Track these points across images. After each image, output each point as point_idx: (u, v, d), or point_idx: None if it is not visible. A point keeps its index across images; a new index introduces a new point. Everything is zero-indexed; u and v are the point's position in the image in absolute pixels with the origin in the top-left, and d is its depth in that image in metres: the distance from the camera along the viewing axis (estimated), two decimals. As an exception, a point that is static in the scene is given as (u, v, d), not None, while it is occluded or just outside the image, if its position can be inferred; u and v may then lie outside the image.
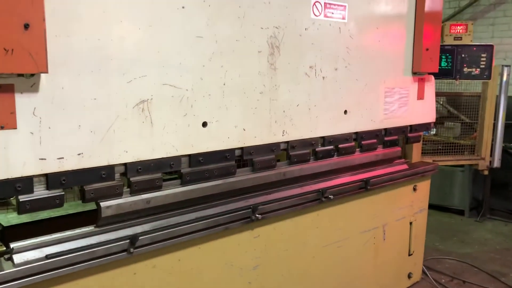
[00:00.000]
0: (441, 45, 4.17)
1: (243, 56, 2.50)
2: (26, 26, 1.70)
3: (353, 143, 3.24)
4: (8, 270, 1.85)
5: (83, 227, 2.13)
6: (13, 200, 2.67)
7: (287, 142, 2.82)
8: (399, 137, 3.65)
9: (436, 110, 5.19)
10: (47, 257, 1.94)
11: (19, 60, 1.70)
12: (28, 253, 1.94)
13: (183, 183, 2.38)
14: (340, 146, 3.15)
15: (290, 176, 2.87)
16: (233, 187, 2.58)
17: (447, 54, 4.68)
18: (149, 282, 2.31)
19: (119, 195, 2.14)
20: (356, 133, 3.25)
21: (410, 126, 3.66)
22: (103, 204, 2.10)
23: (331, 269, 3.28)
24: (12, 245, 1.93)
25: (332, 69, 2.98)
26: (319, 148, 3.03)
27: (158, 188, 2.27)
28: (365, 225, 3.50)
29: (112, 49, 2.03)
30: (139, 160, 2.17)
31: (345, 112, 3.12)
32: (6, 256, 1.92)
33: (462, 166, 5.88)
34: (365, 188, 3.32)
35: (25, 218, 2.41)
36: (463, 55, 4.64)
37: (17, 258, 1.91)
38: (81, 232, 2.09)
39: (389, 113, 3.45)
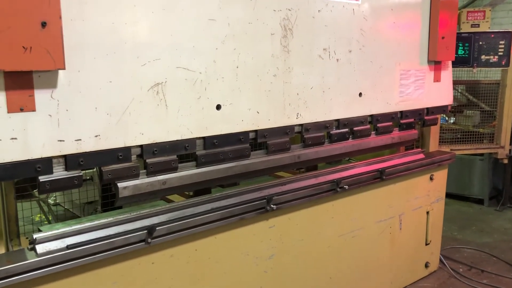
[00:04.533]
0: (457, 33, 4.10)
1: (256, 38, 2.51)
2: (44, 24, 1.75)
3: (368, 126, 3.22)
4: (32, 259, 1.91)
5: (101, 219, 2.18)
6: (35, 193, 2.74)
7: (301, 125, 2.82)
8: (416, 120, 3.61)
9: (455, 98, 5.12)
10: (68, 247, 1.99)
11: (37, 57, 1.75)
12: (50, 244, 2.00)
13: (198, 165, 2.40)
14: (355, 129, 3.13)
15: (304, 159, 2.87)
16: (247, 170, 2.60)
17: (464, 42, 4.60)
18: (167, 271, 2.35)
19: (135, 176, 2.18)
20: (371, 115, 3.23)
21: (427, 108, 3.62)
22: (120, 184, 2.14)
23: (346, 258, 3.28)
24: (35, 235, 1.99)
25: (346, 51, 2.96)
26: (334, 131, 3.02)
27: (174, 169, 2.31)
28: (381, 215, 3.48)
29: (126, 33, 2.06)
30: (154, 142, 2.21)
31: (360, 94, 3.10)
32: (29, 246, 1.99)
33: (481, 154, 5.78)
34: (380, 178, 3.30)
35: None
36: (480, 43, 4.56)
37: (40, 248, 1.97)
38: (100, 223, 2.14)
39: (404, 96, 3.42)
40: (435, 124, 3.81)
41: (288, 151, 2.79)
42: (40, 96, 1.85)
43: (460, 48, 4.61)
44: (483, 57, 4.59)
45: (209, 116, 2.38)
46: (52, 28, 1.77)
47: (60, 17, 1.79)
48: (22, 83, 1.80)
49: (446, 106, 3.76)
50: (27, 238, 2.19)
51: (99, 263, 2.10)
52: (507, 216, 5.63)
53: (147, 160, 2.21)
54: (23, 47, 1.72)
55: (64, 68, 1.84)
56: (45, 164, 1.90)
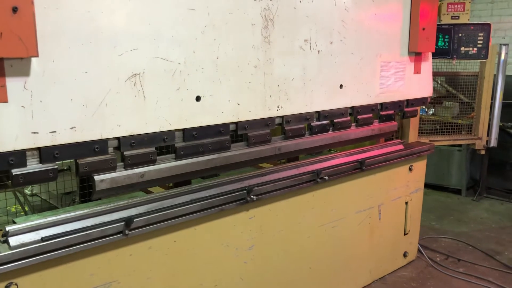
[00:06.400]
0: (438, 25, 4.13)
1: (237, 29, 2.48)
2: (15, 10, 1.68)
3: (348, 118, 3.23)
4: (4, 252, 1.86)
5: (78, 210, 2.13)
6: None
7: (282, 117, 2.81)
8: (395, 112, 3.64)
9: (435, 89, 5.17)
10: (43, 239, 1.95)
11: (9, 44, 1.68)
12: (24, 236, 1.95)
13: (177, 158, 2.37)
14: (336, 120, 3.14)
15: (285, 151, 2.86)
16: (227, 162, 2.58)
17: (444, 34, 4.63)
18: (145, 263, 2.33)
19: (113, 169, 2.14)
20: (351, 107, 3.23)
21: (407, 100, 3.65)
22: (97, 177, 2.10)
23: (326, 248, 3.30)
24: (7, 227, 1.93)
25: (327, 42, 2.95)
26: (315, 123, 3.02)
27: (152, 162, 2.27)
28: (360, 205, 3.51)
29: (103, 22, 2.00)
30: (132, 134, 2.17)
31: (341, 86, 3.10)
32: (2, 239, 1.93)
33: (459, 145, 5.88)
34: (360, 168, 3.33)
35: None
36: (460, 35, 4.58)
37: (13, 240, 1.92)
38: (76, 215, 2.10)
39: (385, 88, 3.43)
40: (415, 116, 3.84)
41: (269, 143, 2.78)
42: (13, 86, 1.79)
43: (440, 39, 4.64)
44: (462, 49, 4.62)
45: (189, 108, 2.35)
46: (24, 14, 1.70)
47: (32, 2, 1.72)
48: (-7, 73, 1.74)
49: (425, 98, 3.80)
50: (0, 230, 2.13)
51: (75, 255, 2.07)
52: (484, 206, 5.75)
53: (125, 153, 2.17)
54: (-7, 33, 1.65)
55: (37, 56, 1.77)
56: (19, 156, 1.85)
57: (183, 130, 2.36)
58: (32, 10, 1.73)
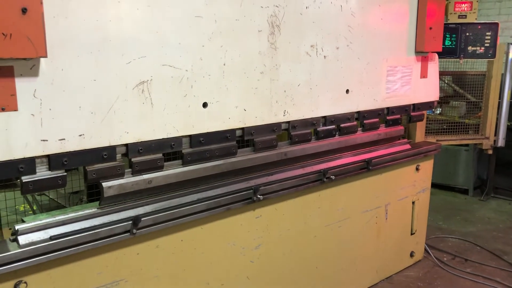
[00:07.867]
0: (445, 24, 4.10)
1: (243, 35, 2.49)
2: (24, 10, 1.70)
3: (355, 123, 3.23)
4: (14, 251, 1.89)
5: (86, 209, 2.16)
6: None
7: (288, 122, 2.82)
8: (402, 116, 3.63)
9: (442, 89, 5.15)
10: (51, 238, 1.98)
11: (18, 44, 1.70)
12: (33, 234, 1.98)
13: (184, 163, 2.40)
14: (342, 125, 3.15)
15: (291, 156, 2.87)
16: (234, 167, 2.60)
17: (452, 33, 4.60)
18: (152, 262, 2.36)
19: (120, 175, 2.17)
20: (358, 112, 3.23)
21: (413, 104, 3.64)
22: (105, 184, 2.13)
23: (332, 248, 3.31)
24: (17, 226, 1.97)
25: (333, 48, 2.95)
26: (321, 128, 3.02)
27: (160, 168, 2.30)
28: (367, 205, 3.52)
29: (111, 30, 2.02)
30: (140, 140, 2.19)
31: (347, 91, 3.11)
32: (11, 237, 1.97)
33: (467, 145, 5.85)
34: (367, 168, 3.33)
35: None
36: (467, 34, 4.55)
37: (22, 239, 1.95)
38: (84, 214, 2.12)
39: (391, 92, 3.43)
40: (421, 120, 3.83)
41: (275, 148, 2.79)
42: (22, 95, 1.82)
43: (447, 39, 4.61)
44: (469, 48, 4.59)
45: (196, 114, 2.37)
46: (33, 14, 1.72)
47: (42, 3, 1.74)
48: (3, 83, 1.76)
49: (432, 102, 3.79)
50: (10, 229, 2.17)
51: (83, 254, 2.10)
52: (491, 206, 5.73)
53: (132, 159, 2.19)
54: (3, 34, 1.66)
55: (46, 56, 1.79)
56: (28, 164, 1.88)
57: (190, 136, 2.38)
58: (41, 10, 1.74)
